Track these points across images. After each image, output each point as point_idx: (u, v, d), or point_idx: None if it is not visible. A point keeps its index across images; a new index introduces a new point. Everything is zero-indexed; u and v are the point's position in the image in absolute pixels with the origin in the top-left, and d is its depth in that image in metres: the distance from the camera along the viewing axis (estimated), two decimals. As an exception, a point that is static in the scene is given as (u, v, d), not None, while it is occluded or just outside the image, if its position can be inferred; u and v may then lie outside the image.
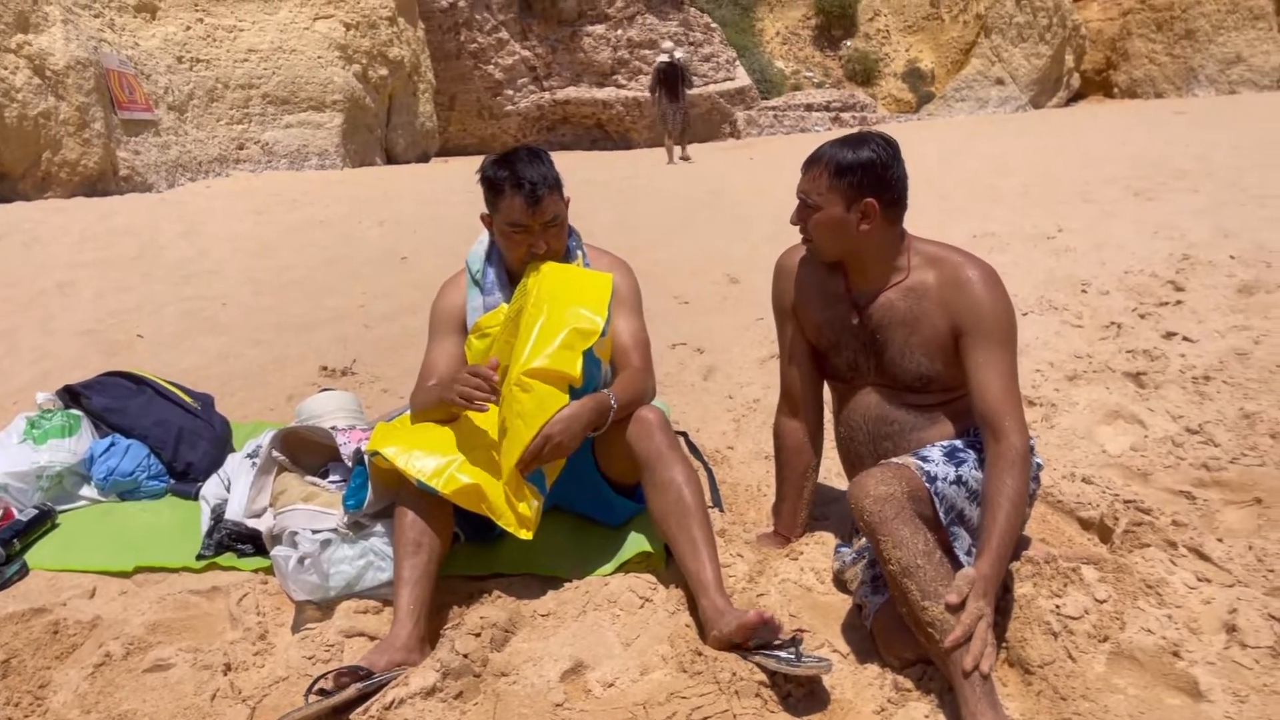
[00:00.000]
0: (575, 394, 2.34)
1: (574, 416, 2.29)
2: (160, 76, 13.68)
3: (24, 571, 2.65)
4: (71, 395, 3.23)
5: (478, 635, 2.21)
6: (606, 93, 21.48)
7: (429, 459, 2.29)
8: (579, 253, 2.62)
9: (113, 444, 3.07)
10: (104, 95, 12.19)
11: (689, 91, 16.85)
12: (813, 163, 2.31)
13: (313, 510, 2.54)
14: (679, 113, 16.19)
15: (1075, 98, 25.59)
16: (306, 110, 15.78)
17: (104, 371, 3.41)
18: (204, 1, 14.83)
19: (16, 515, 2.86)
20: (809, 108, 22.47)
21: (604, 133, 21.94)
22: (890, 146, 2.28)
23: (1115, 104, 24.23)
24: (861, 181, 2.24)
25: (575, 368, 2.31)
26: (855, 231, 2.27)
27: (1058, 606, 2.22)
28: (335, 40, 16.19)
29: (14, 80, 11.06)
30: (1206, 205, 7.45)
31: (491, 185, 2.52)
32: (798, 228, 2.38)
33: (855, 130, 2.34)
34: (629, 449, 2.39)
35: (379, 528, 2.49)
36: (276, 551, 2.40)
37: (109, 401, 3.19)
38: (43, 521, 2.87)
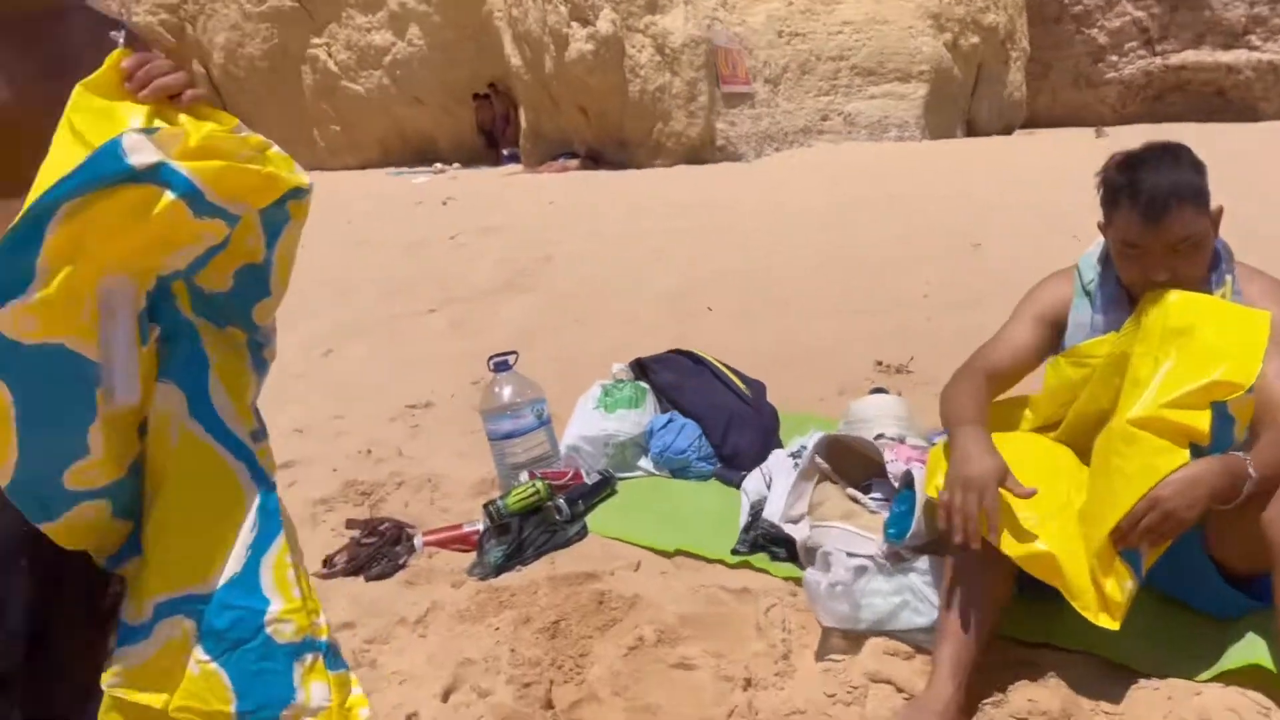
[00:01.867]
0: (1198, 454, 1.85)
1: (1195, 480, 1.79)
2: (760, 51, 14.50)
3: (583, 533, 2.82)
4: (641, 368, 3.41)
5: (1023, 722, 1.88)
6: (1234, 56, 18.63)
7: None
8: (1228, 277, 2.06)
9: (670, 420, 3.17)
10: (711, 71, 13.24)
11: None
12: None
13: (850, 531, 2.35)
14: None
15: None
16: (892, 81, 15.74)
17: (670, 349, 3.56)
18: (807, -23, 15.40)
19: (584, 479, 3.06)
20: None
21: (1224, 101, 19.00)
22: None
23: None
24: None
25: (1202, 422, 1.82)
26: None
27: None
28: (929, 9, 15.89)
29: (639, 58, 12.44)
30: None
31: (1107, 191, 2.07)
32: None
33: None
34: (1258, 532, 1.84)
35: (921, 564, 2.22)
36: (809, 574, 2.27)
37: (673, 378, 3.31)
38: (605, 487, 3.04)
